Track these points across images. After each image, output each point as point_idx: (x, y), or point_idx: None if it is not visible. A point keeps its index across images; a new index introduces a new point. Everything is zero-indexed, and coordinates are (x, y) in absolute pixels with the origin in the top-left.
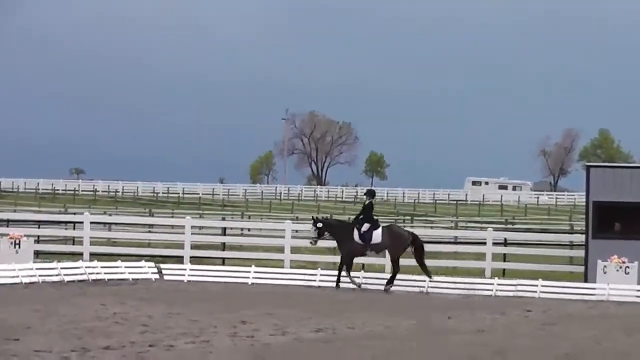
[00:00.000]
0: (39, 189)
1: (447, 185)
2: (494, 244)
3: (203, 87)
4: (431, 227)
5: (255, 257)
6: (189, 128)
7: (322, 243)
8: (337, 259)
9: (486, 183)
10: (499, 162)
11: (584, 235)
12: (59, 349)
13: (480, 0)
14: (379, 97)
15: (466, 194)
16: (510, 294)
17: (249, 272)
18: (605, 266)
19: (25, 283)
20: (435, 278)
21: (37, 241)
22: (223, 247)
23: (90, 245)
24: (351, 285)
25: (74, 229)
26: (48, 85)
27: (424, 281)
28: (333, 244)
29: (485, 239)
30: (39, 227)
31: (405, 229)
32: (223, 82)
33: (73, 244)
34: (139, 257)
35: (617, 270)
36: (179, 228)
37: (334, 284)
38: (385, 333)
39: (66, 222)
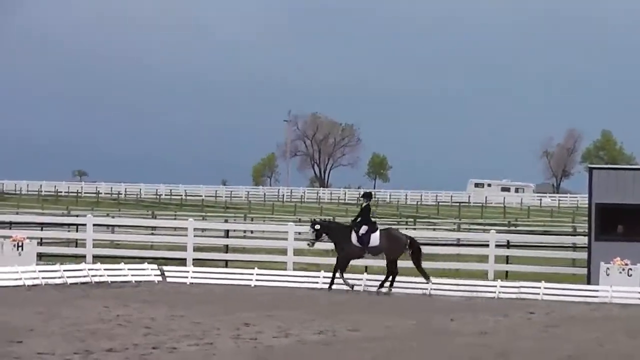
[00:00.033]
0: (41, 191)
1: (448, 186)
2: (497, 246)
3: (203, 87)
4: (434, 229)
5: (258, 259)
6: (189, 128)
7: (324, 245)
8: None
9: (489, 185)
10: (499, 163)
11: (586, 238)
12: (62, 351)
13: (480, 0)
14: (379, 97)
15: (469, 196)
16: (513, 296)
17: (252, 274)
18: (608, 268)
19: (28, 285)
20: (437, 280)
21: (40, 243)
22: (226, 249)
23: (93, 247)
24: (345, 287)
25: (77, 231)
26: (48, 85)
27: (427, 283)
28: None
29: (488, 241)
30: (41, 230)
31: (403, 232)
32: (223, 82)
33: (76, 247)
34: (142, 260)
35: (620, 273)
36: (181, 230)
37: (327, 285)
38: (387, 335)
39: (69, 225)
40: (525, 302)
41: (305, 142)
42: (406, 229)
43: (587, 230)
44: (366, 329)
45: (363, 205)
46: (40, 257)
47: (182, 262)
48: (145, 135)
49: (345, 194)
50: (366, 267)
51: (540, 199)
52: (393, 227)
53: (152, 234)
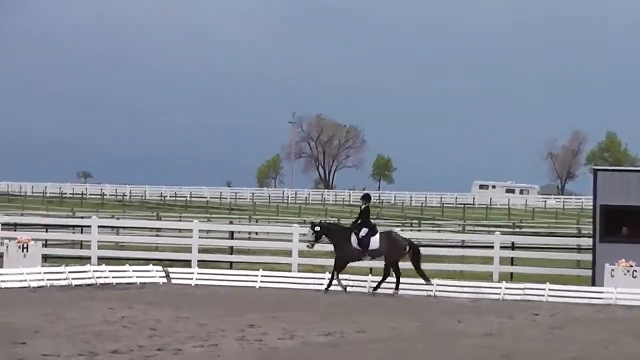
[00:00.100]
0: (46, 193)
1: (452, 188)
2: (502, 247)
3: (203, 87)
4: (438, 231)
5: (262, 260)
6: (189, 128)
7: (330, 247)
8: None
9: (493, 187)
10: (499, 163)
11: (591, 239)
12: (67, 352)
13: (480, 0)
14: (379, 97)
15: (473, 198)
16: (518, 297)
17: (257, 275)
18: (612, 270)
19: (33, 287)
20: (442, 282)
21: (45, 245)
22: (231, 250)
23: (98, 249)
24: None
25: (82, 232)
26: (48, 85)
27: (432, 285)
28: None
29: (493, 243)
30: (46, 231)
31: (408, 234)
32: (223, 82)
33: (81, 248)
34: (147, 261)
35: (625, 274)
36: (186, 232)
37: (344, 287)
38: (392, 336)
39: (74, 226)
40: (530, 303)
41: (309, 144)
42: (411, 230)
43: (591, 232)
44: (371, 330)
45: (362, 208)
46: (45, 258)
47: (187, 263)
48: (145, 135)
49: (350, 195)
50: (371, 268)
51: (545, 201)
52: (394, 229)
53: (157, 235)
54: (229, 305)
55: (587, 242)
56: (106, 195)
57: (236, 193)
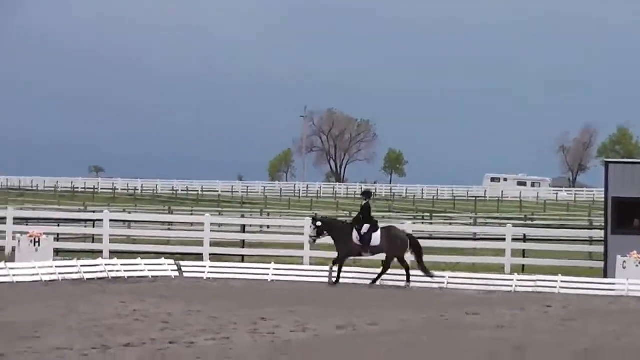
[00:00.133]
0: (58, 187)
1: (464, 181)
2: (513, 240)
3: (203, 87)
4: (450, 224)
5: (274, 254)
6: (189, 128)
7: None
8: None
9: (505, 179)
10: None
11: (603, 231)
12: (80, 346)
13: (480, 0)
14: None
15: (485, 191)
16: (530, 289)
17: (269, 269)
18: (624, 262)
19: (45, 281)
20: (454, 274)
21: (57, 239)
22: (242, 244)
23: (109, 243)
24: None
25: (94, 226)
26: (48, 85)
27: (444, 277)
28: None
29: (505, 235)
30: (58, 225)
31: (402, 230)
32: (223, 82)
33: (93, 242)
34: (159, 255)
35: (637, 266)
36: (198, 225)
37: (333, 280)
38: (404, 329)
39: (86, 220)
40: (542, 295)
41: (321, 138)
42: (422, 223)
43: (603, 224)
44: (383, 322)
45: (363, 204)
46: (57, 252)
47: (198, 257)
48: (145, 135)
49: (361, 189)
50: (382, 261)
51: (557, 193)
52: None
53: (169, 229)
54: (241, 299)
55: (599, 234)
56: (118, 189)
57: (248, 187)
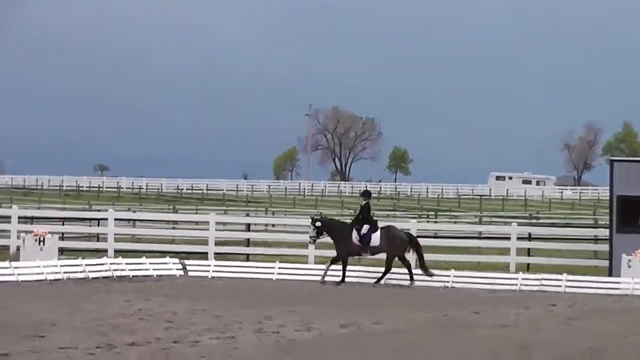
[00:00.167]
0: (63, 186)
1: (469, 179)
2: (518, 238)
3: (203, 87)
4: (455, 222)
5: (279, 253)
6: (189, 128)
7: None
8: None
9: (510, 178)
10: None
11: (608, 230)
12: (84, 345)
13: (480, 0)
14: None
15: (490, 189)
16: (535, 288)
17: (274, 267)
18: (629, 260)
19: (49, 280)
20: (459, 273)
21: (62, 238)
22: (247, 243)
23: (114, 242)
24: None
25: (99, 225)
26: (48, 85)
27: (448, 276)
28: None
29: (510, 234)
30: (63, 224)
31: (402, 229)
32: (223, 82)
33: (97, 241)
34: (163, 254)
35: None
36: (203, 224)
37: (326, 279)
38: (408, 327)
39: (90, 219)
40: (546, 294)
41: (326, 136)
42: (427, 221)
43: (608, 223)
44: (387, 321)
45: (363, 204)
46: (62, 251)
47: (203, 256)
48: (145, 135)
49: (366, 187)
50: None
51: (562, 192)
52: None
53: (174, 228)
54: (245, 298)
55: (604, 232)
56: (123, 188)
57: (253, 185)
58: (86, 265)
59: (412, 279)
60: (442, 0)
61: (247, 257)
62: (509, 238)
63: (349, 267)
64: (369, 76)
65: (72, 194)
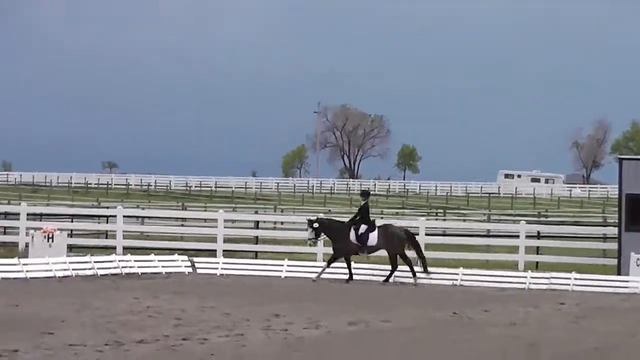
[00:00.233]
0: (72, 183)
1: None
2: (527, 236)
3: (203, 87)
4: (464, 220)
5: (288, 250)
6: (189, 128)
7: None
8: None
9: (519, 176)
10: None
11: (617, 228)
12: (93, 342)
13: (480, 0)
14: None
15: (499, 187)
16: (544, 286)
17: (282, 265)
18: (638, 259)
19: (58, 277)
20: (467, 271)
21: (71, 235)
22: (256, 240)
23: (123, 239)
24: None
25: (107, 222)
26: (48, 85)
27: (457, 274)
28: None
29: (518, 232)
30: (72, 221)
31: (400, 227)
32: (223, 82)
33: (106, 238)
34: (172, 251)
35: None
36: (211, 221)
37: (347, 277)
38: (417, 325)
39: (99, 216)
40: (555, 293)
41: (335, 134)
42: (436, 219)
43: (617, 221)
44: (396, 319)
45: (362, 204)
46: (71, 248)
47: (212, 253)
48: (145, 135)
49: (375, 185)
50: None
51: (570, 190)
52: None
53: (182, 225)
54: (254, 295)
55: (613, 231)
56: (131, 185)
57: (261, 183)
58: (95, 262)
59: (414, 276)
60: (442, 0)
61: (256, 255)
62: (517, 236)
63: (355, 265)
64: (369, 76)
65: (81, 191)
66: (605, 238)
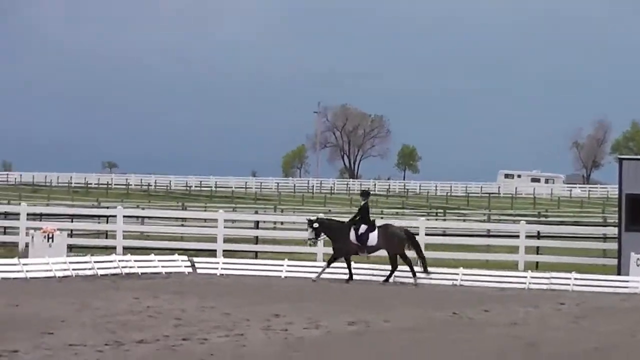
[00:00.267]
0: (72, 183)
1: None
2: (527, 236)
3: (203, 87)
4: (464, 220)
5: (288, 250)
6: (189, 128)
7: None
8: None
9: (519, 176)
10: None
11: (617, 228)
12: (93, 342)
13: (480, 0)
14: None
15: (499, 187)
16: (544, 286)
17: (282, 265)
18: (638, 259)
19: (58, 277)
20: (468, 271)
21: (71, 235)
22: (256, 240)
23: (123, 239)
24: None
25: (107, 222)
26: (48, 85)
27: (457, 274)
28: None
29: (518, 232)
30: (72, 221)
31: (399, 226)
32: (223, 82)
33: (106, 238)
34: (172, 251)
35: None
36: (211, 221)
37: (347, 277)
38: (417, 325)
39: (99, 216)
40: (555, 292)
41: (334, 134)
42: (436, 219)
43: (617, 221)
44: (396, 319)
45: (362, 204)
46: (71, 248)
47: (212, 253)
48: (145, 135)
49: (375, 185)
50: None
51: (570, 190)
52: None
53: (182, 225)
54: (254, 295)
55: (613, 231)
56: (131, 185)
57: (261, 183)
58: (95, 262)
59: (414, 276)
60: (442, 0)
61: (256, 255)
62: (517, 236)
63: (355, 265)
64: (369, 76)
65: (81, 191)
66: (605, 238)
